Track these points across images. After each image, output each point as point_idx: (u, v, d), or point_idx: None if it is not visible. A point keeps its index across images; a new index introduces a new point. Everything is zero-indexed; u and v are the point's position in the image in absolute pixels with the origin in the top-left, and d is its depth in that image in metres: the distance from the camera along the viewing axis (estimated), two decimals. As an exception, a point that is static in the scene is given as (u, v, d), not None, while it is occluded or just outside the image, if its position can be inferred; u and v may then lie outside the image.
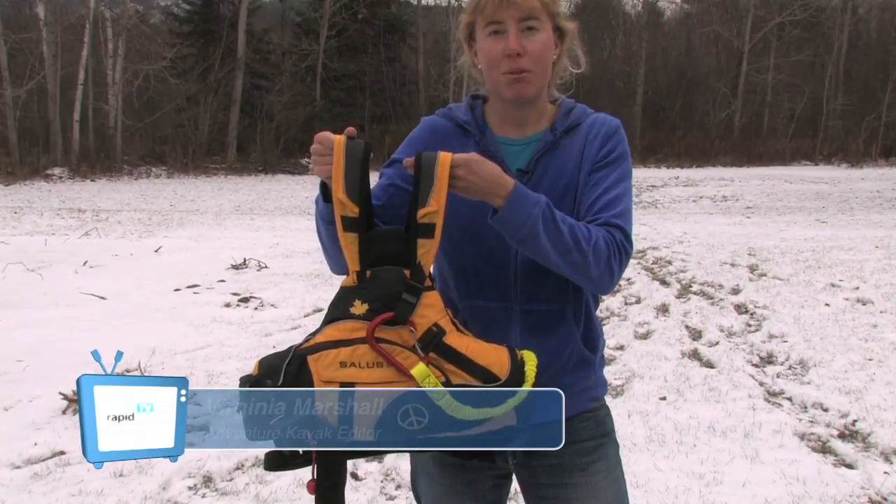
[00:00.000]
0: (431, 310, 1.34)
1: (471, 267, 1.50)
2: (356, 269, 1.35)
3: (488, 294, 1.50)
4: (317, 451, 1.30)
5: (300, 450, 1.33)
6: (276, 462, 1.35)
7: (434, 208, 1.32)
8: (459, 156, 1.33)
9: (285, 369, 1.30)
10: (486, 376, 1.31)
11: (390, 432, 1.30)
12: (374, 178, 1.41)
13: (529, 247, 1.37)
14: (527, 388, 1.31)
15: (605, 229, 1.42)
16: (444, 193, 1.32)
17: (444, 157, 1.32)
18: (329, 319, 1.34)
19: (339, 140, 1.33)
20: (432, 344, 1.31)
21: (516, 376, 1.32)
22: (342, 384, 1.29)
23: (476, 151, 1.50)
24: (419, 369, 1.27)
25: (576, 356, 1.52)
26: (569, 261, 1.38)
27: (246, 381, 1.33)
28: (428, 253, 1.34)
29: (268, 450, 1.35)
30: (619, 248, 1.42)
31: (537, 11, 1.44)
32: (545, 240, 1.35)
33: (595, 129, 1.53)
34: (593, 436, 1.56)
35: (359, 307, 1.33)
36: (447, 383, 1.29)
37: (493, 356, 1.33)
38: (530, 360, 1.34)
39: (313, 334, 1.35)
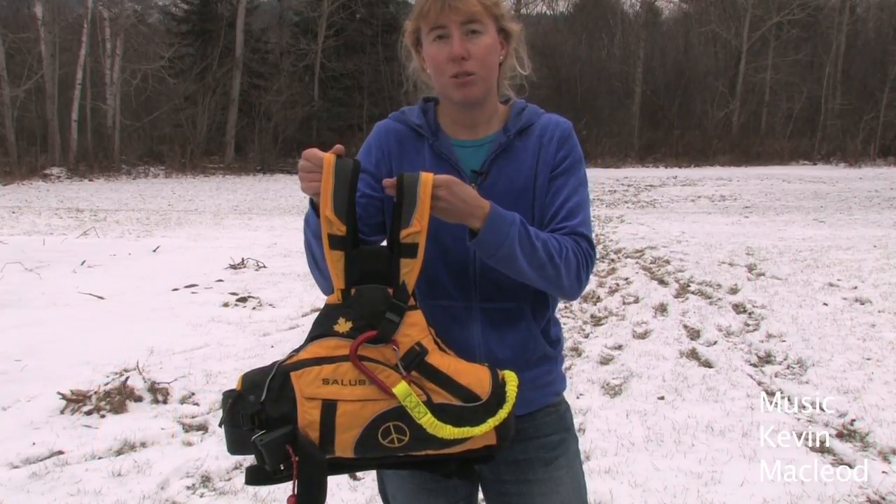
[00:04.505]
0: (414, 329, 1.35)
1: (430, 267, 1.51)
2: (341, 288, 1.36)
3: (449, 294, 1.53)
4: (297, 467, 1.30)
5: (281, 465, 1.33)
6: (258, 476, 1.35)
7: (417, 228, 1.33)
8: (440, 177, 1.34)
9: (268, 385, 1.31)
10: (467, 396, 1.33)
11: (371, 449, 1.32)
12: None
13: (507, 265, 1.40)
14: (507, 408, 1.33)
15: (572, 239, 1.47)
16: (427, 214, 1.33)
17: (427, 178, 1.33)
18: (313, 336, 1.36)
19: (328, 158, 1.33)
20: (415, 363, 1.32)
21: (497, 396, 1.34)
22: (325, 401, 1.30)
23: (430, 154, 1.55)
24: (401, 388, 1.29)
25: (539, 351, 1.56)
26: (543, 275, 1.42)
27: (229, 395, 1.34)
28: (411, 272, 1.35)
29: (249, 465, 1.36)
30: (587, 258, 1.48)
31: (479, 14, 1.46)
32: (521, 257, 1.39)
33: (549, 131, 1.56)
34: (556, 430, 1.60)
35: (343, 325, 1.34)
36: (429, 402, 1.31)
37: (475, 376, 1.35)
38: (511, 380, 1.36)
39: (297, 351, 1.35)
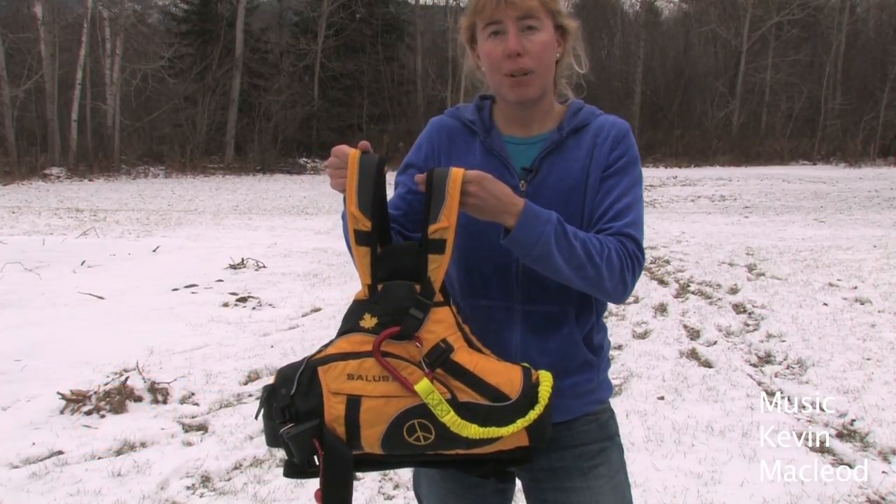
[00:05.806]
0: (440, 326, 1.33)
1: (473, 265, 1.50)
2: (368, 283, 1.36)
3: (490, 293, 1.50)
4: (323, 462, 1.31)
5: (315, 459, 1.35)
6: (292, 470, 1.38)
7: (445, 224, 1.31)
8: (471, 172, 1.32)
9: (298, 379, 1.33)
10: (495, 395, 1.30)
11: (398, 446, 1.31)
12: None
13: (543, 264, 1.36)
14: (538, 410, 1.30)
15: (617, 239, 1.41)
16: (456, 209, 1.31)
17: (456, 173, 1.31)
18: (341, 332, 1.36)
19: (353, 154, 1.33)
20: (439, 360, 1.31)
21: (529, 396, 1.31)
22: (349, 396, 1.30)
23: (481, 150, 1.52)
24: (423, 385, 1.28)
25: (579, 358, 1.51)
26: (582, 275, 1.38)
27: (265, 389, 1.37)
28: (438, 269, 1.34)
29: (287, 458, 1.38)
30: (632, 259, 1.42)
31: (536, 10, 1.43)
32: (558, 257, 1.35)
33: (604, 131, 1.52)
34: (596, 439, 1.55)
35: (368, 321, 1.34)
36: (453, 400, 1.29)
37: (504, 375, 1.33)
38: (546, 381, 1.33)
39: (326, 346, 1.36)
